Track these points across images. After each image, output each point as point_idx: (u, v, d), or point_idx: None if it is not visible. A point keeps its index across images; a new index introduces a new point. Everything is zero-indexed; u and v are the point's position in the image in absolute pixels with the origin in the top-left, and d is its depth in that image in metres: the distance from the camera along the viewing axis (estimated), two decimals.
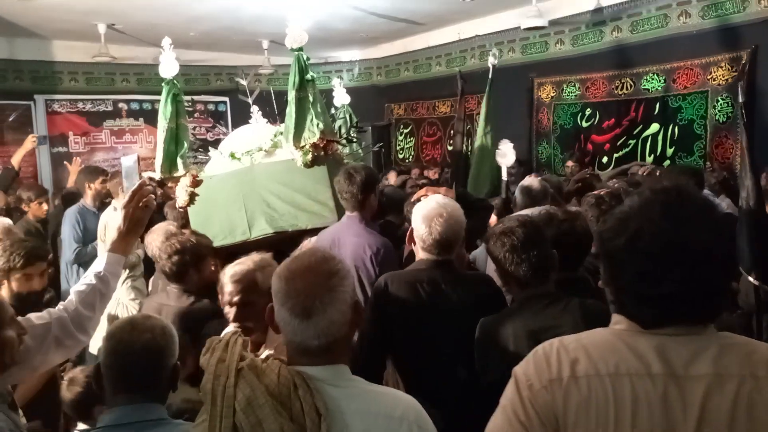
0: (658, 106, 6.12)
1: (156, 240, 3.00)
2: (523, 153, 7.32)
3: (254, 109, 4.16)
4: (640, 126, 6.30)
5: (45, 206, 4.81)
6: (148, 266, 3.62)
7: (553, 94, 7.32)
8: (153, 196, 1.86)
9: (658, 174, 4.39)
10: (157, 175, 3.57)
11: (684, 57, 5.86)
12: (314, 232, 3.28)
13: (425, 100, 9.35)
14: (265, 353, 1.58)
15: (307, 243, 3.03)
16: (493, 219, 3.50)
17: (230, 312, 2.02)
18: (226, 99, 9.41)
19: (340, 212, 3.39)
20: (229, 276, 2.04)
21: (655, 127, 6.16)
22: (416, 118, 9.59)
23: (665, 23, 6.02)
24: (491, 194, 4.67)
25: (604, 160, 6.66)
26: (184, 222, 3.66)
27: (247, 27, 7.58)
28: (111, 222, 3.58)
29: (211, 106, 9.51)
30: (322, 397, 1.20)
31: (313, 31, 3.73)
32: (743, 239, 2.56)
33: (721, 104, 5.56)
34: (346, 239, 2.84)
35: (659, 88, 6.11)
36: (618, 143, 6.52)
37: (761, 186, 2.86)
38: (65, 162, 6.94)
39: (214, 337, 1.33)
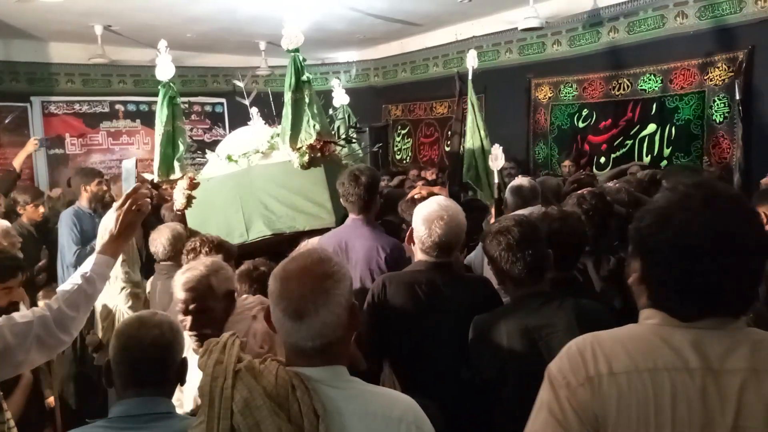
0: (655, 106, 6.12)
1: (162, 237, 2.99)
2: (520, 153, 7.34)
3: (254, 110, 4.16)
4: (637, 126, 6.29)
5: (41, 209, 4.79)
6: (149, 266, 3.60)
7: (550, 95, 7.33)
8: (148, 200, 1.85)
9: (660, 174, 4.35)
10: (154, 178, 3.56)
11: (681, 57, 5.86)
12: (312, 233, 3.27)
13: (422, 101, 9.33)
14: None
15: (305, 244, 3.02)
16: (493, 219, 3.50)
17: (186, 321, 1.97)
18: (224, 101, 9.40)
19: (337, 214, 3.38)
20: (181, 284, 1.98)
21: (652, 127, 6.16)
22: (413, 119, 9.58)
23: (662, 24, 6.03)
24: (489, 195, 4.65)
25: (602, 160, 6.66)
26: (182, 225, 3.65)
27: (244, 28, 7.56)
28: (103, 223, 3.58)
29: (208, 108, 9.50)
30: (320, 398, 1.20)
31: (310, 32, 3.73)
32: None
33: (718, 104, 5.56)
34: (356, 243, 2.78)
35: (656, 89, 6.12)
36: (615, 143, 6.51)
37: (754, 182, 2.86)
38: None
39: (211, 339, 1.32)
